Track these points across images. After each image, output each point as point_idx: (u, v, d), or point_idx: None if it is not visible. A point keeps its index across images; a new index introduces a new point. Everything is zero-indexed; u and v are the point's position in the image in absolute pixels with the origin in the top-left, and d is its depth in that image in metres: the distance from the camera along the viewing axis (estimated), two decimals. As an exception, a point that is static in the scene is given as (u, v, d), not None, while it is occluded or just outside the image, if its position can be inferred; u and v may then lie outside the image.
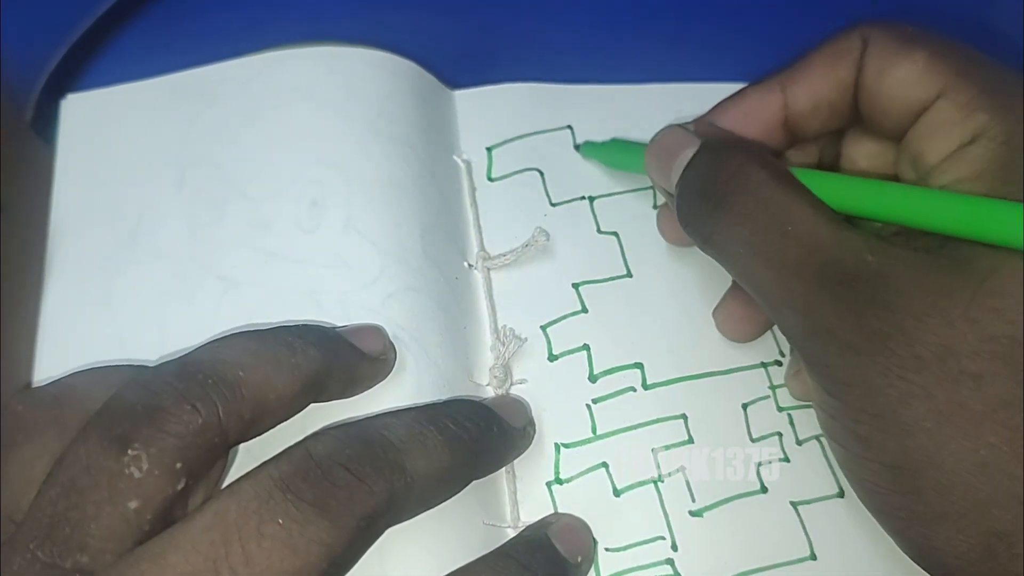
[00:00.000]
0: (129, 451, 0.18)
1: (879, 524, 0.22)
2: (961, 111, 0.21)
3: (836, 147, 0.26)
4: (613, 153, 0.30)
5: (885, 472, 0.20)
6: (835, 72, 0.24)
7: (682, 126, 0.25)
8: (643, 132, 0.30)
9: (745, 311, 0.27)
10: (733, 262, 0.23)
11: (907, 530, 0.21)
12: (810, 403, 0.26)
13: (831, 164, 0.26)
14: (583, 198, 0.29)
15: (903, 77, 0.22)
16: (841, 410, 0.21)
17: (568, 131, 0.31)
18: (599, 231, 0.29)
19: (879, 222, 0.22)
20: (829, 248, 0.20)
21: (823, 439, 0.26)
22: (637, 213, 0.29)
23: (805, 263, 0.21)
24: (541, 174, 0.30)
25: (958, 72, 0.21)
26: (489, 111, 0.31)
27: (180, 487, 0.18)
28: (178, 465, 0.18)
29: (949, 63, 0.22)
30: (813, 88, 0.24)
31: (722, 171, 0.23)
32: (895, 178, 0.24)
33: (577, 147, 0.30)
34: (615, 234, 0.29)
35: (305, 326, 0.23)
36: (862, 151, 0.25)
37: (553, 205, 0.29)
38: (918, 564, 0.21)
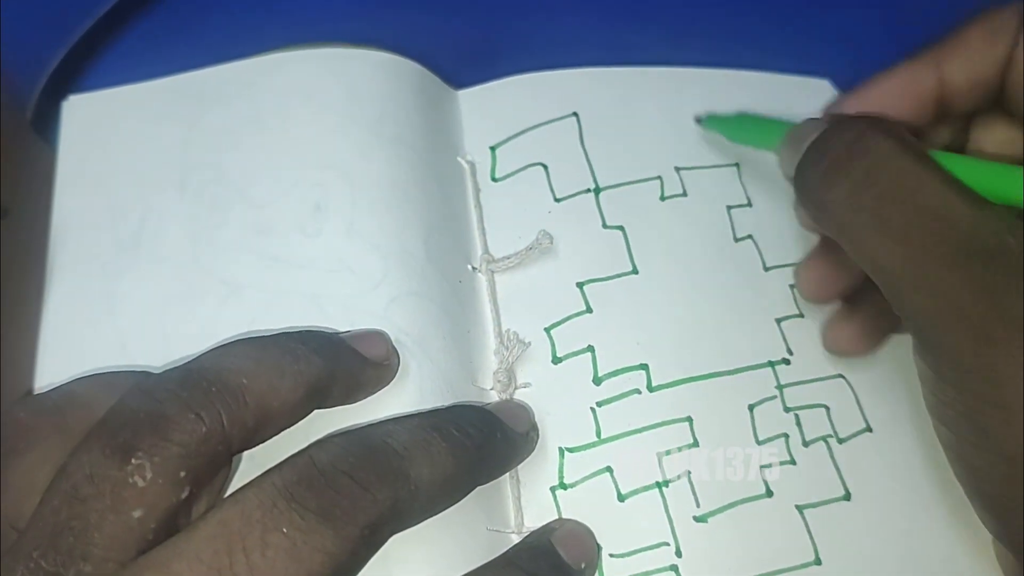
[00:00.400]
0: (133, 460, 0.18)
1: (974, 506, 0.21)
2: None
3: (965, 133, 0.25)
4: (738, 128, 0.29)
5: (1001, 463, 0.19)
6: (994, 47, 0.23)
7: (817, 119, 0.24)
8: (648, 115, 0.31)
9: (830, 272, 0.26)
10: (849, 232, 0.21)
11: (1012, 519, 0.20)
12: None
13: (958, 149, 0.25)
14: (588, 191, 0.29)
15: None
16: (957, 397, 0.20)
17: (574, 118, 0.30)
18: (604, 225, 0.29)
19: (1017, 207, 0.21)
20: (967, 225, 0.19)
21: (830, 440, 0.26)
22: (644, 204, 0.29)
23: (939, 239, 0.19)
24: (545, 168, 0.29)
25: None
26: (493, 108, 0.31)
27: (184, 496, 0.18)
28: (182, 474, 0.18)
29: None
30: (971, 64, 0.23)
31: (844, 135, 0.22)
32: None
33: (699, 120, 0.30)
34: (621, 228, 0.29)
35: (308, 332, 0.23)
36: (992, 136, 0.24)
37: (557, 200, 0.29)
38: (1009, 549, 0.21)
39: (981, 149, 0.25)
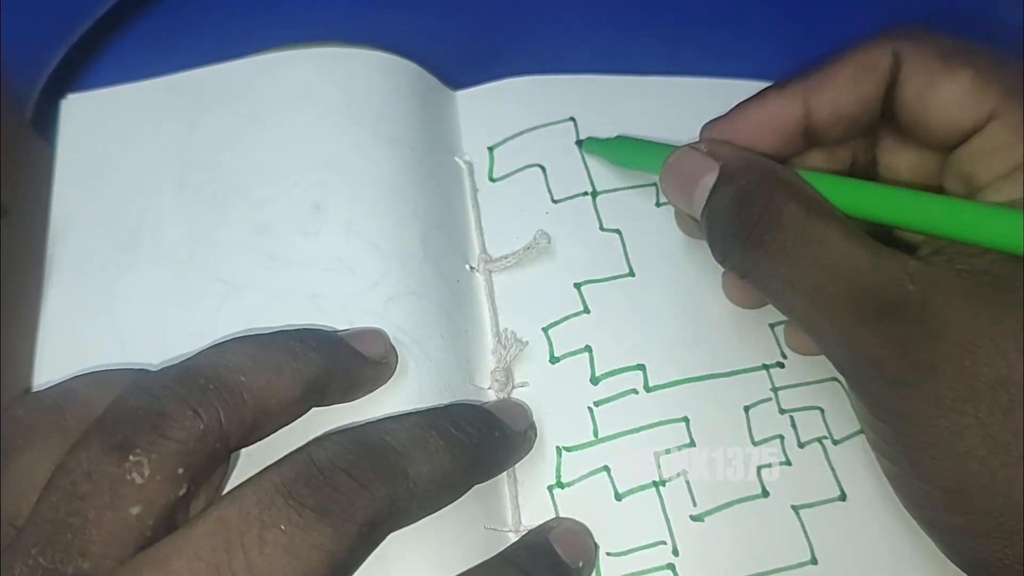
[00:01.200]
0: (131, 457, 0.18)
1: (924, 532, 0.22)
2: (1015, 133, 0.21)
3: (871, 152, 0.25)
4: (617, 150, 0.29)
5: (937, 493, 0.20)
6: (861, 86, 0.23)
7: (696, 147, 0.25)
8: (646, 123, 0.31)
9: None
10: (773, 297, 0.23)
11: (955, 543, 0.21)
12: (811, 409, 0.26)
13: (865, 169, 0.26)
14: (586, 194, 0.29)
15: (948, 99, 0.21)
16: (893, 436, 0.21)
17: (571, 123, 0.30)
18: (601, 228, 0.29)
19: (916, 233, 0.22)
20: (868, 278, 0.20)
21: (825, 441, 0.26)
22: (640, 209, 0.29)
23: (845, 296, 0.20)
24: (543, 170, 0.30)
25: (1007, 92, 0.21)
26: (491, 109, 0.31)
27: (182, 493, 0.18)
28: (180, 471, 0.18)
29: (996, 82, 0.21)
30: (837, 100, 0.23)
31: (752, 207, 0.22)
32: (939, 189, 0.24)
33: (579, 143, 0.30)
34: (618, 231, 0.29)
35: (306, 330, 0.23)
36: (903, 160, 0.25)
37: (555, 202, 0.29)
38: (962, 570, 0.22)
39: (896, 172, 0.25)
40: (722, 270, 0.28)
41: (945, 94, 0.21)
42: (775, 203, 0.22)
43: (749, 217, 0.22)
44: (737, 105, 0.25)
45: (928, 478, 0.20)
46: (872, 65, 0.23)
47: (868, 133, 0.25)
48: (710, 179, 0.23)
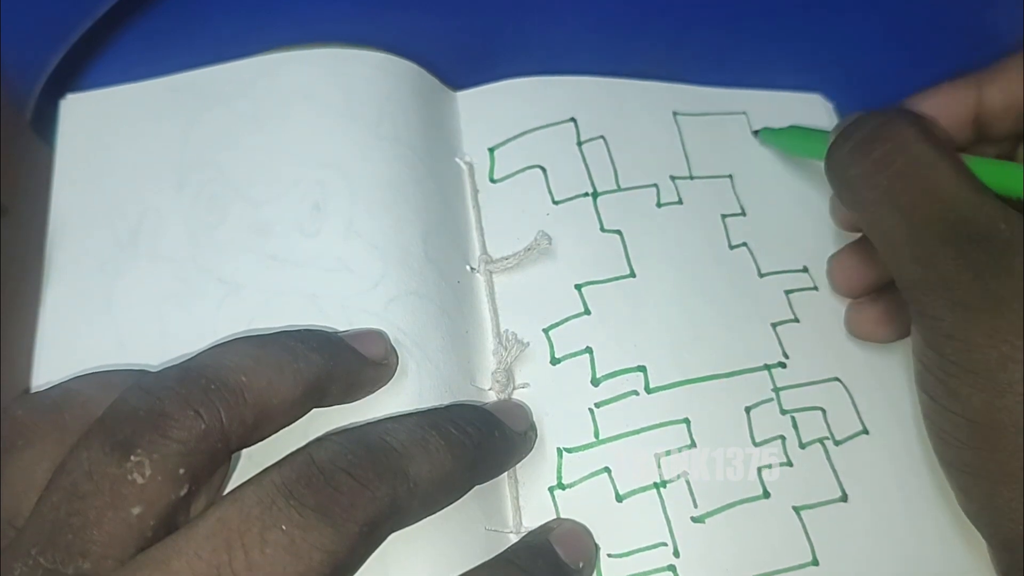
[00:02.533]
0: (132, 457, 0.18)
1: (946, 478, 0.23)
2: None
3: (1013, 154, 0.27)
4: (792, 139, 0.31)
5: (965, 426, 0.21)
6: None
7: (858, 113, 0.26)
8: (645, 125, 0.31)
9: (860, 265, 0.28)
10: (865, 206, 0.23)
11: (972, 487, 0.22)
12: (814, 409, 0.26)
13: None
14: (586, 195, 0.29)
15: None
16: (937, 362, 0.21)
17: (571, 124, 0.30)
18: (602, 229, 0.29)
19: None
20: (965, 208, 0.21)
21: (827, 442, 0.26)
22: (641, 210, 0.29)
23: (938, 216, 0.22)
24: (544, 171, 0.30)
25: None
26: (491, 110, 0.31)
27: (183, 493, 0.18)
28: (181, 471, 0.18)
29: None
30: (1010, 89, 0.25)
31: (872, 120, 0.24)
32: None
33: (755, 133, 0.31)
34: (618, 232, 0.29)
35: (307, 331, 0.23)
36: None
37: (556, 203, 0.29)
38: (973, 523, 0.22)
39: None
40: (727, 272, 0.29)
41: None
42: (895, 121, 0.23)
43: (867, 125, 0.24)
44: (914, 95, 0.27)
45: (962, 410, 0.21)
46: None
47: None
48: (849, 119, 0.25)
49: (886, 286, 0.28)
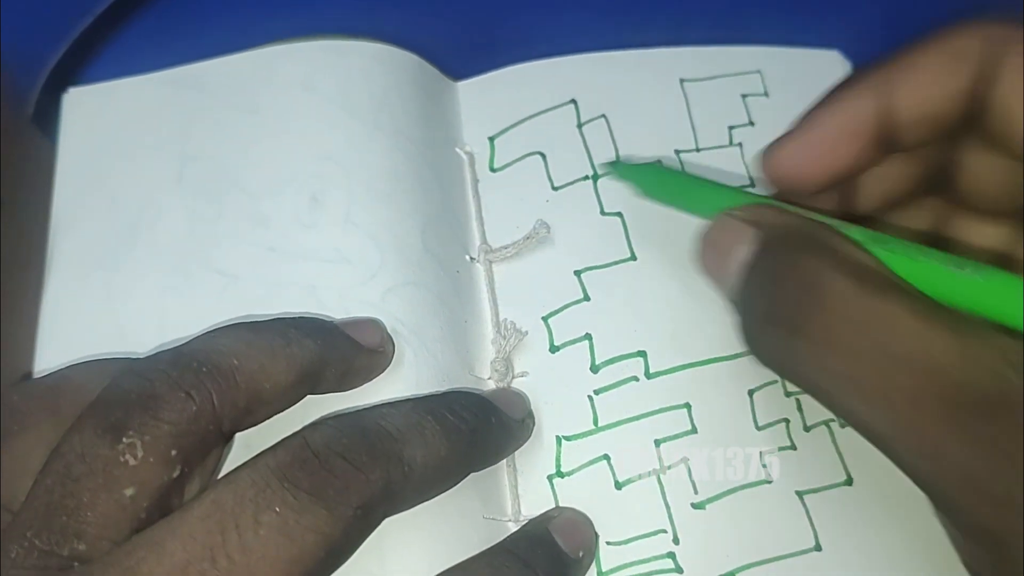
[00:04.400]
0: (124, 439, 0.18)
1: None
2: None
3: (945, 154, 0.22)
4: (652, 181, 0.27)
5: None
6: (948, 79, 0.20)
7: (733, 214, 0.21)
8: (648, 98, 0.30)
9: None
10: (824, 397, 0.19)
11: None
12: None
13: (936, 175, 0.23)
14: (586, 178, 0.29)
15: None
16: (988, 558, 0.17)
17: (572, 106, 0.30)
18: (603, 212, 0.29)
19: None
20: (955, 369, 0.16)
21: (832, 424, 0.26)
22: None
23: (927, 394, 0.16)
24: (543, 157, 0.29)
25: None
26: (492, 98, 0.31)
27: (175, 475, 0.18)
28: (173, 452, 0.18)
29: None
30: (921, 94, 0.20)
31: (791, 284, 0.18)
32: None
33: (607, 165, 0.29)
34: (619, 214, 0.28)
35: (301, 318, 0.23)
36: (990, 171, 0.21)
37: (555, 189, 0.29)
38: None
39: (977, 181, 0.22)
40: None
41: None
42: (821, 278, 0.18)
43: (789, 295, 0.18)
44: (805, 115, 0.22)
45: None
46: (959, 55, 0.20)
47: (950, 135, 0.21)
48: (742, 252, 0.20)
49: None
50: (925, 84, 0.20)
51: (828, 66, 0.31)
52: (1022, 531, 0.16)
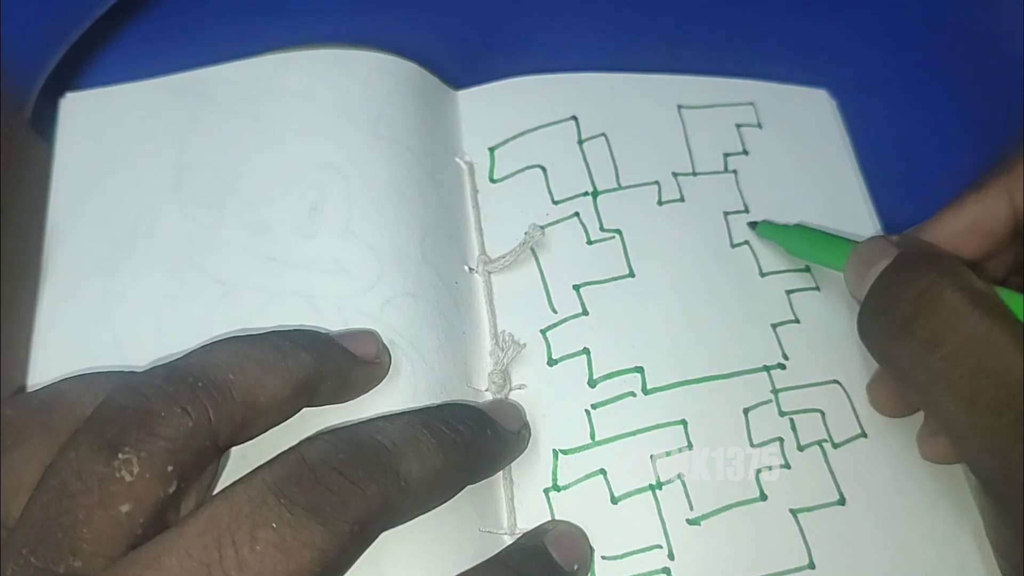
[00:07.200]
0: (119, 455, 0.18)
1: None
2: None
3: None
4: (798, 239, 0.28)
5: None
6: None
7: (886, 237, 0.24)
8: (647, 121, 0.31)
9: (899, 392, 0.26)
10: (918, 389, 0.21)
11: None
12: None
13: None
14: (586, 194, 0.29)
15: None
16: (1018, 543, 0.20)
17: (572, 122, 0.30)
18: (602, 228, 0.29)
19: None
20: None
21: (825, 444, 0.26)
22: (641, 209, 0.29)
23: (1006, 404, 0.19)
24: (544, 171, 0.29)
25: None
26: (492, 109, 0.31)
27: (172, 490, 0.18)
28: (169, 468, 0.18)
29: None
30: None
31: (910, 288, 0.21)
32: None
33: (752, 225, 0.30)
34: (618, 231, 0.29)
35: (297, 330, 0.23)
36: None
37: (555, 203, 0.29)
38: None
39: None
40: (728, 271, 0.28)
41: None
42: (936, 287, 0.21)
43: (905, 295, 0.21)
44: (937, 213, 0.24)
45: None
46: None
47: None
48: (884, 263, 0.22)
49: None
50: None
51: (815, 104, 0.32)
52: None
